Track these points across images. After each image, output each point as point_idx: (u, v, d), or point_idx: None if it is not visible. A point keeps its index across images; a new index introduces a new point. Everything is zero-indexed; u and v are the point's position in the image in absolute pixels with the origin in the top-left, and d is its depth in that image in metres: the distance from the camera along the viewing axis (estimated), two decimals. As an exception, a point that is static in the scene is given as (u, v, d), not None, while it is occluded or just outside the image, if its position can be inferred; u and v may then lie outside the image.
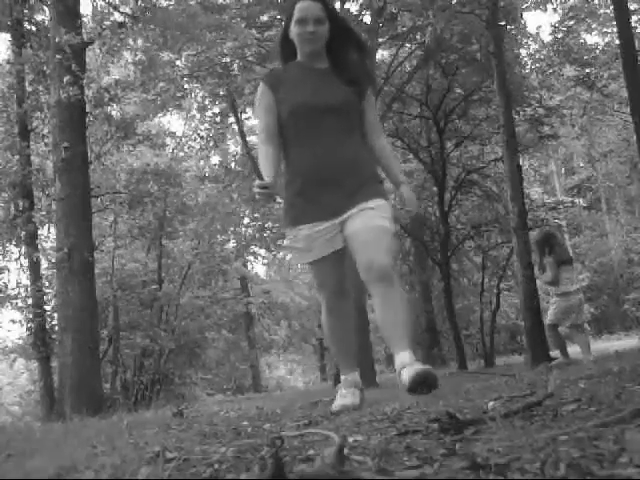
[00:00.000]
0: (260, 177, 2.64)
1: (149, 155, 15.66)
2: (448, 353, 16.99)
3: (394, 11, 12.31)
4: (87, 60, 10.13)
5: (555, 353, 7.64)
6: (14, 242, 12.63)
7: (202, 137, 16.69)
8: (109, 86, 11.58)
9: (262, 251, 20.66)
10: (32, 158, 11.77)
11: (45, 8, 11.43)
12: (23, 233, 11.41)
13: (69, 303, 8.44)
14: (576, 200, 20.61)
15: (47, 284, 11.99)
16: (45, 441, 2.33)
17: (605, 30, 15.63)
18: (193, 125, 18.35)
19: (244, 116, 15.76)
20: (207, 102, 14.94)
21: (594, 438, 1.07)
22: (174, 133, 18.42)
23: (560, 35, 14.68)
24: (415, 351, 2.54)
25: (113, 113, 12.67)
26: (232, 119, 15.47)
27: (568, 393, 1.77)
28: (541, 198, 17.25)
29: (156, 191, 13.79)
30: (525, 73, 14.26)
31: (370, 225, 2.59)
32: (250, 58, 12.52)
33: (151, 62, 11.10)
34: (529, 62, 14.92)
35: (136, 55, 11.66)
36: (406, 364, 2.43)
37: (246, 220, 18.72)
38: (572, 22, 14.77)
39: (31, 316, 10.98)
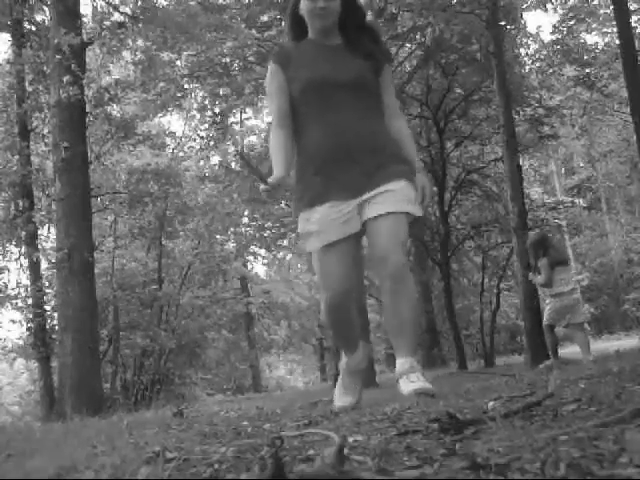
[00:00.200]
0: (262, 179, 2.49)
1: (149, 155, 15.67)
2: (448, 353, 16.98)
3: (394, 11, 12.31)
4: (87, 60, 10.15)
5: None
6: (14, 242, 12.65)
7: (202, 137, 16.69)
8: (109, 86, 11.59)
9: (262, 251, 20.67)
10: (32, 158, 11.78)
11: (45, 8, 11.44)
12: (23, 233, 11.41)
13: (69, 303, 8.45)
14: (576, 200, 20.62)
15: (47, 284, 12.00)
16: (45, 441, 2.33)
17: (605, 30, 15.65)
18: (193, 125, 18.37)
19: (244, 116, 15.77)
20: (207, 102, 14.94)
21: (594, 438, 1.07)
22: (174, 133, 18.46)
23: (560, 35, 14.69)
24: (417, 352, 2.54)
25: (113, 113, 12.68)
26: (232, 119, 15.47)
27: (568, 393, 1.77)
28: (541, 198, 17.26)
29: (156, 191, 13.79)
30: (525, 73, 14.27)
31: (390, 212, 2.46)
32: (250, 58, 12.51)
33: (151, 62, 11.11)
34: (529, 62, 14.93)
35: (136, 55, 11.66)
36: (408, 373, 2.43)
37: (245, 220, 18.71)
38: (572, 22, 14.78)
39: (31, 316, 10.99)
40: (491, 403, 1.69)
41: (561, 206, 16.16)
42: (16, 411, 17.42)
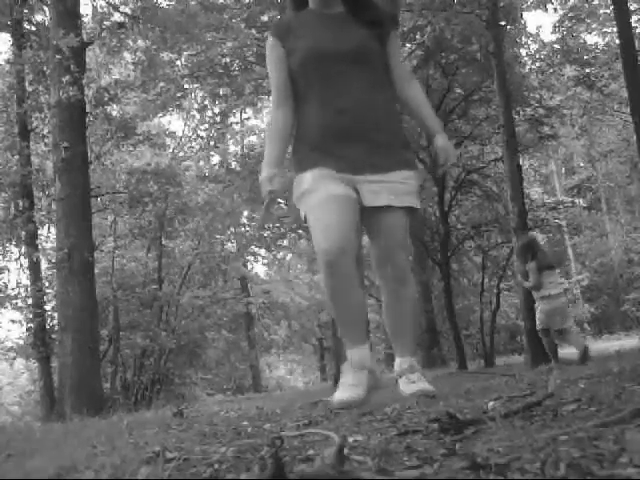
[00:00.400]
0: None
1: (149, 155, 15.68)
2: (448, 353, 16.98)
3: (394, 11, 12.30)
4: (87, 60, 10.15)
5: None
6: (14, 242, 12.65)
7: (202, 137, 16.70)
8: (109, 86, 11.59)
9: (262, 251, 20.67)
10: (32, 158, 11.77)
11: (45, 8, 11.44)
12: (23, 233, 11.41)
13: (69, 303, 8.45)
14: (576, 200, 20.64)
15: (47, 284, 11.99)
16: (45, 441, 2.33)
17: (605, 30, 15.65)
18: (193, 125, 18.38)
19: (244, 116, 15.78)
20: (207, 102, 14.95)
21: (594, 438, 1.06)
22: (174, 133, 18.46)
23: (560, 35, 14.70)
24: (416, 352, 2.54)
25: (113, 113, 12.68)
26: (232, 119, 15.48)
27: (568, 393, 1.77)
28: (541, 198, 17.27)
29: (156, 191, 13.79)
30: (525, 73, 14.27)
31: (392, 206, 2.37)
32: (250, 58, 12.51)
33: (151, 62, 11.12)
34: (529, 62, 14.93)
35: (136, 55, 11.67)
36: (407, 373, 2.43)
37: (244, 220, 18.71)
38: (572, 22, 14.78)
39: (31, 316, 10.99)
40: (491, 403, 1.69)
41: (561, 206, 16.17)
42: (16, 411, 17.42)
